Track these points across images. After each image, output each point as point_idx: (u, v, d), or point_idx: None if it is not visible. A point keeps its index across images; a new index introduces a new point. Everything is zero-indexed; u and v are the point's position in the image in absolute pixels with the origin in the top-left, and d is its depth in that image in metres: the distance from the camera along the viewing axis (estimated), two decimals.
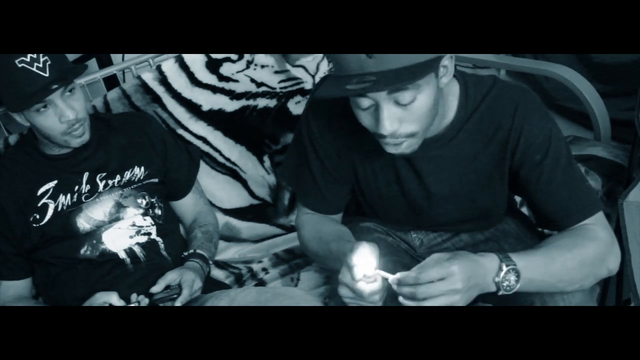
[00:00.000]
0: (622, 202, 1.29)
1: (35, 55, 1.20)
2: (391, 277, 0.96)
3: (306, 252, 1.31)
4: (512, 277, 0.97)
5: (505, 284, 0.97)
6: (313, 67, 1.83)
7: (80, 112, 1.28)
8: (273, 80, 1.79)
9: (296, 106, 1.78)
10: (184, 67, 1.75)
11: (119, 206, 1.37)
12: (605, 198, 1.53)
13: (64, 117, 1.25)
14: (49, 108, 1.24)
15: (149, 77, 1.73)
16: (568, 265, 1.02)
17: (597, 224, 1.08)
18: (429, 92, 0.97)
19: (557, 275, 1.02)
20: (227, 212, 1.70)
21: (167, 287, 1.28)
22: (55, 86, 1.20)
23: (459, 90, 1.11)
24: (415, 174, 1.16)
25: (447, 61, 0.99)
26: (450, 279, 0.92)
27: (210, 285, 1.40)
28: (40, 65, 1.21)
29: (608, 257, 1.07)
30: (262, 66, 1.80)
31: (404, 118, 0.98)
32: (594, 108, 1.69)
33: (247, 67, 1.79)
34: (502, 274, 0.96)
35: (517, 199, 1.45)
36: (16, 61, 1.19)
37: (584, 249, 1.04)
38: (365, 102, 0.97)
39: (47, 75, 1.21)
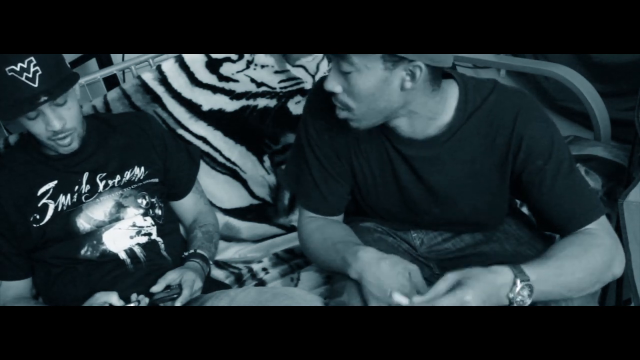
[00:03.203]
0: (622, 202, 1.29)
1: (25, 65, 1.19)
2: (404, 303, 0.96)
3: (308, 254, 1.30)
4: (526, 292, 0.97)
5: (518, 299, 0.97)
6: (313, 67, 1.83)
7: (69, 122, 1.27)
8: (273, 80, 1.79)
9: (296, 106, 1.78)
10: (184, 67, 1.75)
11: (119, 206, 1.37)
12: (605, 198, 1.53)
13: (49, 126, 1.24)
14: (39, 116, 1.24)
15: (149, 77, 1.72)
16: (578, 275, 1.02)
17: (600, 229, 1.08)
18: (367, 77, 1.01)
19: (568, 285, 1.02)
20: (227, 212, 1.70)
21: (168, 287, 1.27)
22: (42, 99, 1.19)
23: (458, 92, 1.11)
24: (413, 173, 1.17)
25: (417, 70, 1.00)
26: (464, 307, 0.93)
27: (210, 285, 1.40)
28: (30, 75, 1.19)
29: (613, 262, 1.06)
30: (262, 66, 1.80)
31: (345, 87, 1.05)
32: (594, 108, 1.69)
33: (247, 67, 1.79)
34: (517, 289, 0.96)
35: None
36: (6, 69, 1.18)
37: (592, 257, 1.04)
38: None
39: (35, 85, 1.20)
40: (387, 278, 1.08)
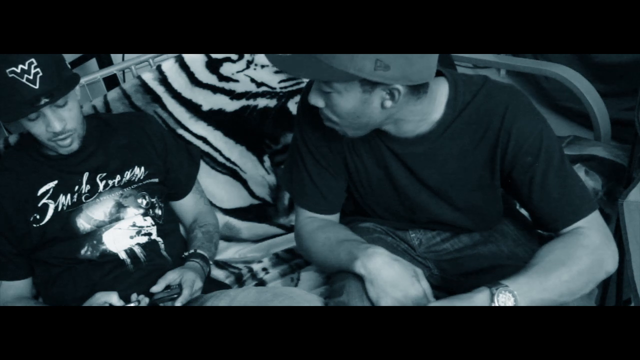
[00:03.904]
0: (622, 202, 1.29)
1: (26, 67, 1.19)
2: None
3: (308, 255, 1.30)
4: (506, 296, 0.98)
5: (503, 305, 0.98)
6: None
7: (69, 122, 1.27)
8: (273, 80, 1.79)
9: (296, 106, 1.78)
10: (184, 67, 1.75)
11: (119, 206, 1.37)
12: (605, 198, 1.53)
13: (50, 127, 1.24)
14: (39, 117, 1.24)
15: (149, 77, 1.73)
16: (564, 278, 1.02)
17: (590, 227, 1.08)
18: (347, 99, 1.02)
19: (556, 289, 1.02)
20: (227, 212, 1.70)
21: (168, 286, 1.27)
22: (43, 101, 1.19)
23: (448, 88, 1.11)
24: (406, 170, 1.17)
25: (396, 92, 1.01)
26: None
27: (210, 285, 1.40)
28: (31, 77, 1.19)
29: (605, 260, 1.06)
30: (262, 66, 1.80)
31: (327, 103, 1.07)
32: (594, 108, 1.69)
33: (247, 67, 1.79)
34: (496, 298, 0.98)
35: None
36: (7, 71, 1.18)
37: (577, 259, 1.04)
38: None
39: (36, 87, 1.19)
40: (403, 279, 1.10)
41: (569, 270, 1.02)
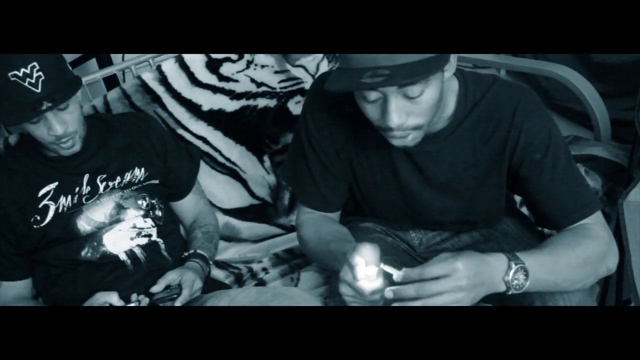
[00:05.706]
0: (622, 202, 1.29)
1: (28, 70, 1.18)
2: (396, 274, 0.96)
3: (305, 251, 1.31)
4: (521, 276, 0.97)
5: (515, 283, 0.97)
6: (313, 67, 1.83)
7: (71, 125, 1.27)
8: (273, 80, 1.79)
9: (296, 106, 1.78)
10: (184, 67, 1.75)
11: (120, 208, 1.37)
12: (605, 198, 1.53)
13: (52, 130, 1.24)
14: (40, 121, 1.23)
15: (149, 77, 1.73)
16: (572, 264, 1.02)
17: (596, 224, 1.09)
18: (435, 86, 0.98)
19: (562, 274, 1.02)
20: (227, 212, 1.70)
21: (167, 287, 1.28)
22: (45, 106, 1.19)
23: (458, 86, 1.12)
24: (414, 168, 1.17)
25: (452, 57, 1.00)
26: (455, 276, 0.92)
27: (210, 285, 1.40)
28: (33, 80, 1.18)
29: (608, 256, 1.07)
30: (262, 66, 1.80)
31: (411, 111, 0.99)
32: (594, 108, 1.69)
33: (247, 67, 1.79)
34: (512, 272, 0.96)
35: (517, 198, 1.45)
36: (9, 74, 1.17)
37: (586, 247, 1.04)
38: (372, 95, 0.97)
39: (38, 91, 1.19)
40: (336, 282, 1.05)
41: (577, 256, 1.03)
